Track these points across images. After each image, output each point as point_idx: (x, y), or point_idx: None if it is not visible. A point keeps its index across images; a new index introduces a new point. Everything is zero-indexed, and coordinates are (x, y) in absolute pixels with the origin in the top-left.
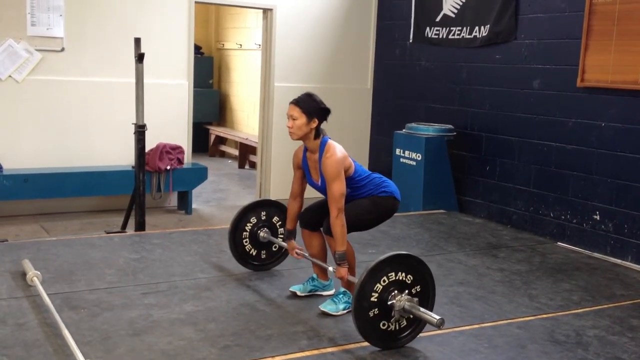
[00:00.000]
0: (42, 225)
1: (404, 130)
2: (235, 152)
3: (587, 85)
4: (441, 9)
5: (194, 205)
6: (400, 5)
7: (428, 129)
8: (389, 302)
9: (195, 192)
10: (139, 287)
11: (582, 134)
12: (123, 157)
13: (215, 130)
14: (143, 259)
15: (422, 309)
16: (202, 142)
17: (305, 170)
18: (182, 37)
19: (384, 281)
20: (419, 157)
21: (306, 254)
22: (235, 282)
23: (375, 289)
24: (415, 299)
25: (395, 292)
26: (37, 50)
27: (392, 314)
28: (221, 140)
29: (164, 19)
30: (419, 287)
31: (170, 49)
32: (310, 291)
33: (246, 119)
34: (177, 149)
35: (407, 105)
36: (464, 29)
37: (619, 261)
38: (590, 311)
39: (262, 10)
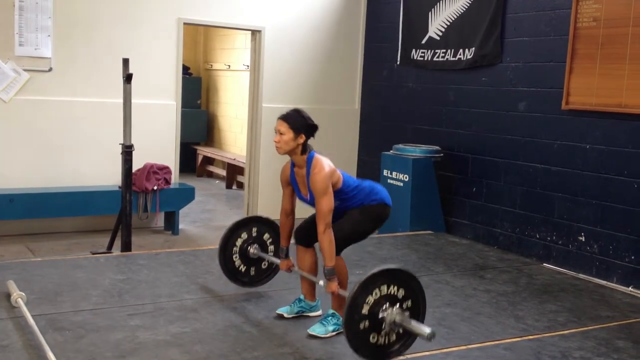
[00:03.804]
0: (27, 246)
1: (391, 151)
2: (223, 173)
3: (572, 107)
4: (427, 31)
5: (180, 226)
6: (388, 27)
7: (415, 150)
8: (380, 315)
9: (182, 212)
10: (124, 308)
11: (567, 156)
12: (110, 177)
13: (203, 151)
14: (129, 280)
15: (413, 322)
16: (189, 162)
17: (294, 186)
18: (170, 57)
19: (376, 294)
20: (406, 178)
21: (301, 272)
22: (221, 304)
23: (366, 301)
24: (406, 313)
25: (387, 305)
26: (24, 70)
27: (383, 326)
28: (209, 160)
29: (152, 40)
30: (410, 302)
31: (159, 69)
32: (297, 312)
33: (234, 139)
34: (165, 169)
35: (395, 127)
36: (449, 51)
37: (604, 282)
38: (576, 332)
39: (250, 32)
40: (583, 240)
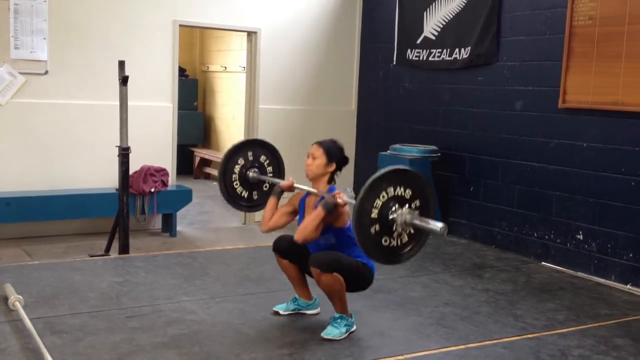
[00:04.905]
0: (24, 249)
1: (388, 151)
2: None
3: (569, 106)
4: (422, 31)
5: (178, 228)
6: (384, 27)
7: (412, 150)
8: (390, 217)
9: (179, 214)
10: (122, 310)
11: (564, 155)
12: (107, 179)
13: (200, 153)
14: (127, 282)
15: (424, 219)
16: (186, 164)
17: (300, 211)
18: (166, 59)
19: (383, 197)
20: None
21: (301, 186)
22: (219, 305)
23: (375, 205)
24: (416, 212)
25: (396, 206)
26: (20, 73)
27: (394, 228)
28: (206, 162)
29: (148, 42)
30: (418, 201)
31: (155, 71)
32: (293, 310)
33: (231, 141)
34: (162, 172)
35: (392, 127)
36: (444, 50)
37: (602, 280)
38: (575, 331)
39: (246, 33)
40: (581, 238)
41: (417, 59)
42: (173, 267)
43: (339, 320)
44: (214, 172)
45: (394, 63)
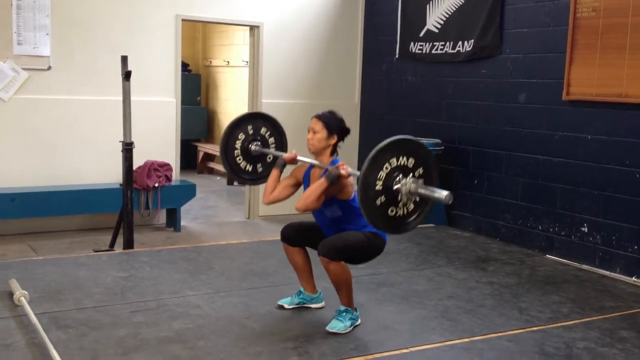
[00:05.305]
0: (29, 245)
1: None
2: (224, 169)
3: (573, 98)
4: (425, 24)
5: (182, 223)
6: (386, 21)
7: None
8: (395, 187)
9: (183, 209)
10: (127, 305)
11: (569, 147)
12: (111, 175)
13: (204, 147)
14: (131, 277)
15: (429, 188)
16: (190, 159)
17: (305, 183)
18: (169, 54)
19: (386, 168)
20: None
21: (304, 158)
22: (224, 300)
23: (378, 177)
24: (420, 181)
25: (400, 176)
26: (23, 69)
27: (399, 198)
28: (209, 157)
29: (150, 37)
30: (421, 169)
31: (158, 66)
32: (298, 304)
33: None
34: (165, 166)
35: (395, 120)
36: (447, 43)
37: (607, 273)
38: (579, 323)
39: (249, 28)
40: (585, 231)
41: (420, 52)
42: (177, 262)
43: (344, 314)
44: (218, 166)
45: (397, 56)
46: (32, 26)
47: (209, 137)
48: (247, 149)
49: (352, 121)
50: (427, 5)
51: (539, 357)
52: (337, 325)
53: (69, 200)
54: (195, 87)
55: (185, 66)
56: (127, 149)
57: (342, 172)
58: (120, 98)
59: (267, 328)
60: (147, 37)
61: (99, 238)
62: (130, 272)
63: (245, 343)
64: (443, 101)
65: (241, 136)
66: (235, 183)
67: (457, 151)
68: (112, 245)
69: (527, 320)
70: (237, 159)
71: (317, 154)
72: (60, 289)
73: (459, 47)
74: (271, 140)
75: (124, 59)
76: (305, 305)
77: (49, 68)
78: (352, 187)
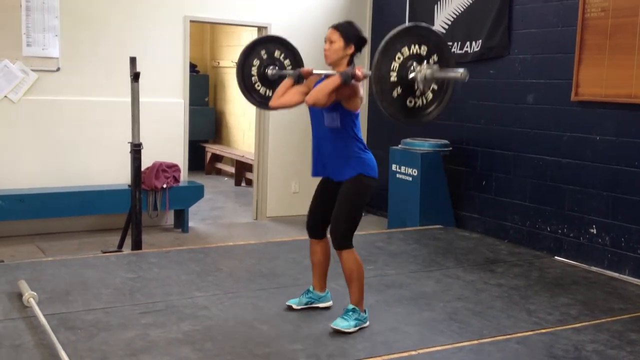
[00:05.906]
0: (38, 246)
1: (399, 145)
2: (232, 170)
3: (581, 99)
4: (433, 24)
5: (190, 224)
6: (394, 22)
7: (424, 144)
8: (410, 77)
9: (191, 210)
10: (136, 306)
11: (577, 148)
12: (119, 176)
13: (212, 148)
14: (140, 279)
15: (445, 69)
16: (198, 160)
17: None
18: (177, 55)
19: (399, 58)
20: (415, 172)
21: (321, 71)
22: (232, 301)
23: (392, 68)
24: (435, 66)
25: (414, 64)
26: (32, 70)
27: (416, 87)
28: (217, 158)
29: (159, 38)
30: (435, 55)
31: (166, 67)
32: (306, 304)
33: (242, 136)
34: (173, 167)
35: None
36: (455, 44)
37: (616, 275)
38: (588, 325)
39: (257, 29)
40: (594, 232)
41: None
42: (185, 263)
43: (350, 313)
44: (225, 167)
45: None
46: (42, 27)
47: (217, 138)
48: (264, 74)
49: (361, 121)
50: (435, 6)
51: (548, 359)
52: (341, 323)
53: (77, 201)
54: (203, 88)
55: (193, 67)
56: (136, 150)
57: (357, 72)
58: (129, 99)
59: (276, 329)
60: (156, 39)
61: (107, 239)
62: (138, 273)
63: (253, 344)
64: (451, 102)
65: (256, 62)
66: (243, 184)
67: (465, 152)
68: (120, 246)
69: (536, 322)
70: (256, 85)
71: (334, 64)
72: (69, 290)
73: (467, 47)
74: (286, 62)
75: (133, 60)
76: (314, 305)
77: (58, 69)
78: (361, 102)
